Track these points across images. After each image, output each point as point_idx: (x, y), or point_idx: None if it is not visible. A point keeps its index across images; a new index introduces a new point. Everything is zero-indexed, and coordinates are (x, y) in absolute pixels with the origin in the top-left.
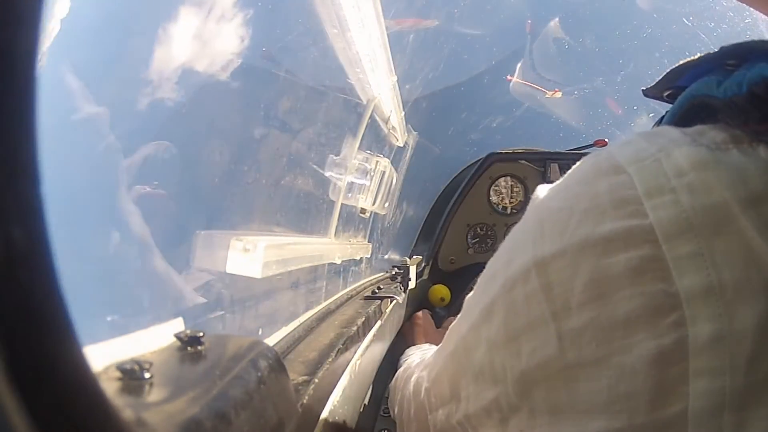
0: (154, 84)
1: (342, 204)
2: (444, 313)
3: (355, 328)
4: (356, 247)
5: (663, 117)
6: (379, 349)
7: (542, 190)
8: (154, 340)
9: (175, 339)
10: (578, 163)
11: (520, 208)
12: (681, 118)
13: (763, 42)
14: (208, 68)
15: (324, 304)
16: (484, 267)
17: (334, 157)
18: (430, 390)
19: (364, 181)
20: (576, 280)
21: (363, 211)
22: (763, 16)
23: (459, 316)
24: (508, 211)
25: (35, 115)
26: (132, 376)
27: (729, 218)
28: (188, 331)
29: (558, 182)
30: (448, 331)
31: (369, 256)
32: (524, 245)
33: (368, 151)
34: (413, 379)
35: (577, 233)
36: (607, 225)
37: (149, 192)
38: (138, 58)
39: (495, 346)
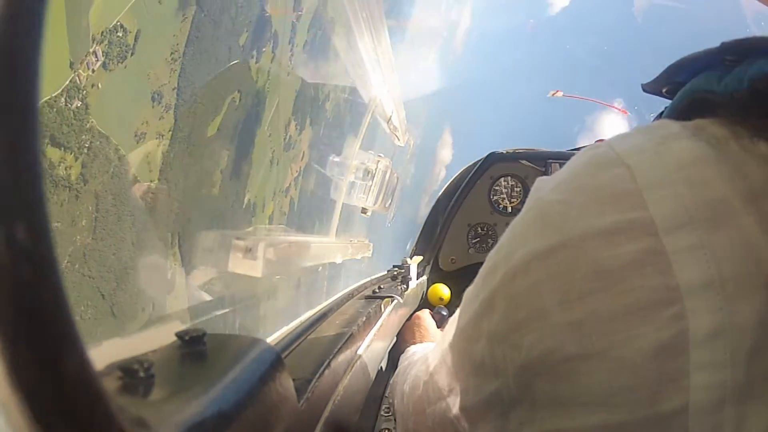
0: None
1: (343, 204)
2: (444, 313)
3: (355, 327)
4: (357, 247)
5: (662, 112)
6: (380, 349)
7: (542, 183)
8: (155, 339)
9: (176, 338)
10: (577, 155)
11: (521, 208)
12: (681, 113)
13: (764, 38)
14: None
15: (325, 303)
16: None
17: (336, 158)
18: (429, 383)
19: (366, 181)
20: (576, 273)
21: (364, 210)
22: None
23: (459, 309)
24: (509, 210)
25: (37, 115)
26: (133, 375)
27: (729, 212)
28: (190, 331)
29: (557, 174)
30: (447, 325)
31: (370, 255)
32: (524, 238)
33: (369, 151)
34: (412, 373)
35: (577, 226)
36: (607, 218)
37: None
38: None
39: (495, 339)
